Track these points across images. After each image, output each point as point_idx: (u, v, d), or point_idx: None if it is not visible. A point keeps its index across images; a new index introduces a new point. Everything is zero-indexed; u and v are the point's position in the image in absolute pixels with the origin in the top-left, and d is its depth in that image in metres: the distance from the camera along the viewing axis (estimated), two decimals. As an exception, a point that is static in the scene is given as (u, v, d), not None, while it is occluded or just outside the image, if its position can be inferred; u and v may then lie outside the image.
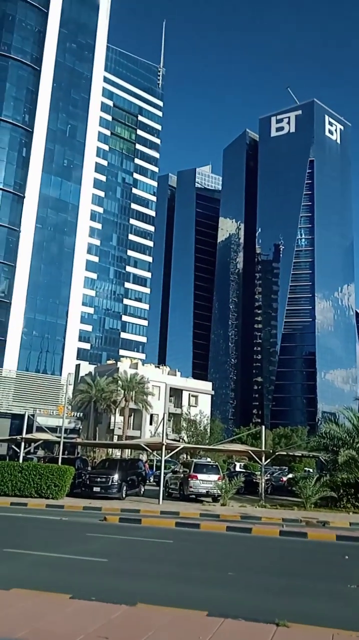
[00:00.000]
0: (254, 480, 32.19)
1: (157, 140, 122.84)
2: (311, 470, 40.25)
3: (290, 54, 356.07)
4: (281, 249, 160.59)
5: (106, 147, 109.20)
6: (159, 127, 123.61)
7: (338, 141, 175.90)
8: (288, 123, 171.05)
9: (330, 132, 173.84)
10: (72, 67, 78.46)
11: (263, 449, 28.67)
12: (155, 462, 38.42)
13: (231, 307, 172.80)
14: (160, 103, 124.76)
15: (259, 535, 16.39)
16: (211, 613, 7.02)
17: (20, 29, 72.74)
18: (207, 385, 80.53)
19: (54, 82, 74.47)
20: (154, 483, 33.46)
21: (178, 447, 30.33)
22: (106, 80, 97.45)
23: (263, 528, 17.51)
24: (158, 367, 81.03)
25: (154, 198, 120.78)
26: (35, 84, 72.51)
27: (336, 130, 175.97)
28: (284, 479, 35.84)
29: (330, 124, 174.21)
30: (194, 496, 25.93)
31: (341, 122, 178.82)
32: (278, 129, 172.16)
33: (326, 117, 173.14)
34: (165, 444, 24.71)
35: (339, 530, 17.27)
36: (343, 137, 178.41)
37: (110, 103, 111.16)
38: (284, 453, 38.56)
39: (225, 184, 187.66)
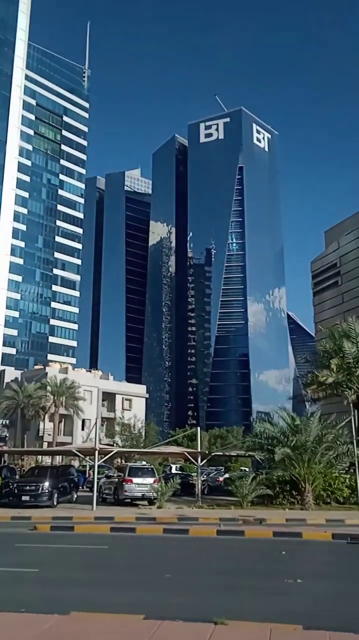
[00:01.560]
0: (191, 482, 32.10)
1: (84, 142, 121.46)
2: (247, 469, 40.71)
3: (219, 61, 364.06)
4: (213, 253, 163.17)
5: (30, 147, 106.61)
6: (85, 128, 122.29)
7: (266, 149, 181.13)
8: (217, 130, 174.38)
9: (258, 139, 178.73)
10: (-11, 62, 76.21)
11: (199, 450, 28.65)
12: (88, 468, 37.54)
13: (164, 310, 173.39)
14: (86, 104, 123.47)
15: (196, 536, 16.21)
16: (149, 616, 6.71)
17: None
18: (141, 389, 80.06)
19: (-32, 78, 72.01)
20: (88, 489, 32.66)
21: (112, 451, 29.78)
22: (28, 78, 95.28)
23: (200, 528, 17.36)
24: (90, 371, 79.71)
25: (81, 200, 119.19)
26: None
27: (263, 138, 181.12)
28: (221, 479, 35.98)
29: (258, 132, 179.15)
30: (129, 500, 25.50)
31: (268, 130, 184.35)
32: (206, 135, 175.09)
33: (254, 125, 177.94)
34: (98, 448, 24.13)
35: (275, 526, 17.40)
36: (271, 145, 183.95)
37: (33, 102, 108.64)
38: (220, 453, 38.77)
39: (155, 187, 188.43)
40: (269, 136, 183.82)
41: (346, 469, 26.57)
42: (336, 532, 15.89)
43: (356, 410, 26.64)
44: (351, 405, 26.10)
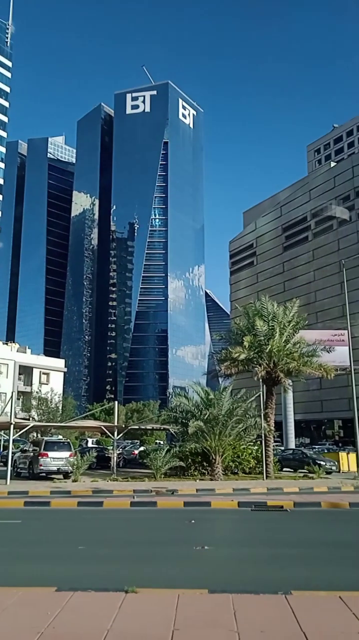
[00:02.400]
0: (107, 455, 32.44)
1: (6, 103, 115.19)
2: (161, 442, 41.66)
3: (149, 32, 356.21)
4: (136, 228, 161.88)
5: None
6: (7, 88, 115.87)
7: (191, 125, 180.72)
8: (143, 102, 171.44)
9: (184, 115, 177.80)
10: None
11: (116, 424, 28.92)
12: (2, 442, 36.81)
13: (85, 283, 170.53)
14: (8, 63, 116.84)
15: (110, 508, 16.53)
16: (61, 588, 6.87)
17: None
18: (59, 363, 78.90)
19: None
20: (1, 463, 32.07)
21: (27, 425, 29.38)
22: None
23: (114, 500, 17.70)
24: (6, 344, 77.39)
25: (1, 165, 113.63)
26: None
27: (189, 114, 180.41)
28: (136, 452, 36.62)
29: (184, 107, 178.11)
30: (44, 474, 25.38)
31: (194, 107, 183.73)
32: (133, 107, 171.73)
33: (180, 100, 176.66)
34: (13, 422, 23.73)
35: (186, 497, 18.09)
36: (196, 122, 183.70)
37: None
38: (136, 427, 39.36)
39: (79, 157, 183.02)
40: (195, 113, 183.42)
41: (254, 441, 28.02)
42: (242, 501, 16.86)
43: (264, 386, 28.02)
44: (261, 380, 27.36)
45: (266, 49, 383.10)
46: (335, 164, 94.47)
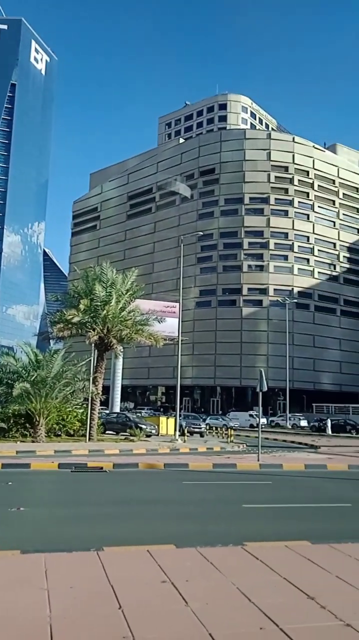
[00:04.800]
0: None
1: None
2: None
3: None
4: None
5: None
6: None
7: (43, 72, 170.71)
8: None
9: (36, 60, 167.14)
10: None
11: None
12: None
13: None
14: None
15: None
16: None
17: None
18: None
19: None
20: None
21: None
22: None
23: None
24: None
25: None
26: None
27: (42, 59, 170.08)
28: None
29: (37, 51, 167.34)
30: None
31: (47, 52, 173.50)
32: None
33: (33, 42, 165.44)
34: None
35: (5, 459, 17.59)
36: (49, 69, 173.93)
37: None
38: None
39: None
40: (48, 59, 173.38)
41: (81, 404, 28.24)
42: (62, 462, 16.98)
43: (96, 351, 28.25)
44: (93, 345, 27.52)
45: (133, 13, 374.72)
46: (184, 140, 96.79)
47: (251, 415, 54.65)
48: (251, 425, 50.67)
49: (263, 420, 52.39)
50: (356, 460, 21.57)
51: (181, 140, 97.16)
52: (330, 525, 9.68)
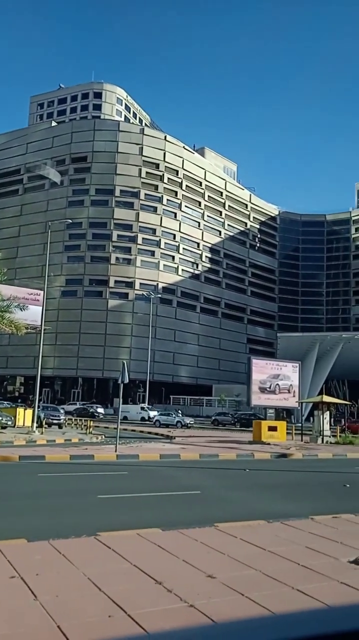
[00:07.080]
0: None
1: None
2: None
3: None
4: None
5: None
6: None
7: None
8: None
9: None
10: None
11: None
12: None
13: None
14: None
15: None
16: None
17: None
18: None
19: None
20: None
21: None
22: None
23: None
24: None
25: None
26: None
27: None
28: None
29: None
30: None
31: None
32: None
33: None
34: None
35: None
36: None
37: None
38: None
39: None
40: None
41: None
42: None
43: None
44: None
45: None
46: (56, 124, 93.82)
47: (142, 409, 55.13)
48: (142, 419, 51.20)
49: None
50: (207, 449, 22.79)
51: (54, 124, 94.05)
52: (181, 511, 10.16)
